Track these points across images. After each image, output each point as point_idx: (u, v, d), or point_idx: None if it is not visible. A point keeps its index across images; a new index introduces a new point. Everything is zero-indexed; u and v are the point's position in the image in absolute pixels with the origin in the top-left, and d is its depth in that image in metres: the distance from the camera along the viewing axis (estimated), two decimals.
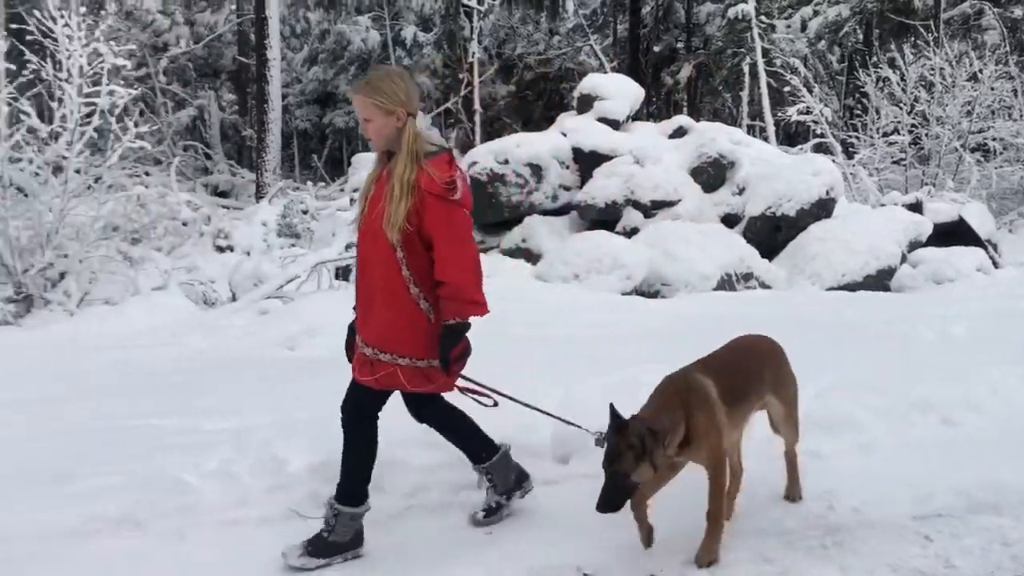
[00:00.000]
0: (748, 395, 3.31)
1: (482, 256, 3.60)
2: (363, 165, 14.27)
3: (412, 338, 3.19)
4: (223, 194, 15.54)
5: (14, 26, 8.82)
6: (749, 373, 3.35)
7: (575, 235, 10.47)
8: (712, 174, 11.32)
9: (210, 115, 17.43)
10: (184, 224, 10.62)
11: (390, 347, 3.21)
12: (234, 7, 18.63)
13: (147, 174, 13.67)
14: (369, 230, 3.23)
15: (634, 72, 17.42)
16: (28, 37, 8.70)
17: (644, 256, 9.61)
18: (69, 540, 3.48)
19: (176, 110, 17.45)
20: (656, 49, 21.43)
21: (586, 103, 12.35)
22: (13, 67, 8.42)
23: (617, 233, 10.40)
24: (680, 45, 21.65)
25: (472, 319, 3.22)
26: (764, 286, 9.95)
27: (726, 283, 9.74)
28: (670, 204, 10.85)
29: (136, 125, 9.04)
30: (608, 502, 2.91)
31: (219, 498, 3.83)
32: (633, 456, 2.89)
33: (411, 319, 3.21)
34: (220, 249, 10.03)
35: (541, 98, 21.73)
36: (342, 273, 8.74)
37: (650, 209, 10.79)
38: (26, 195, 8.83)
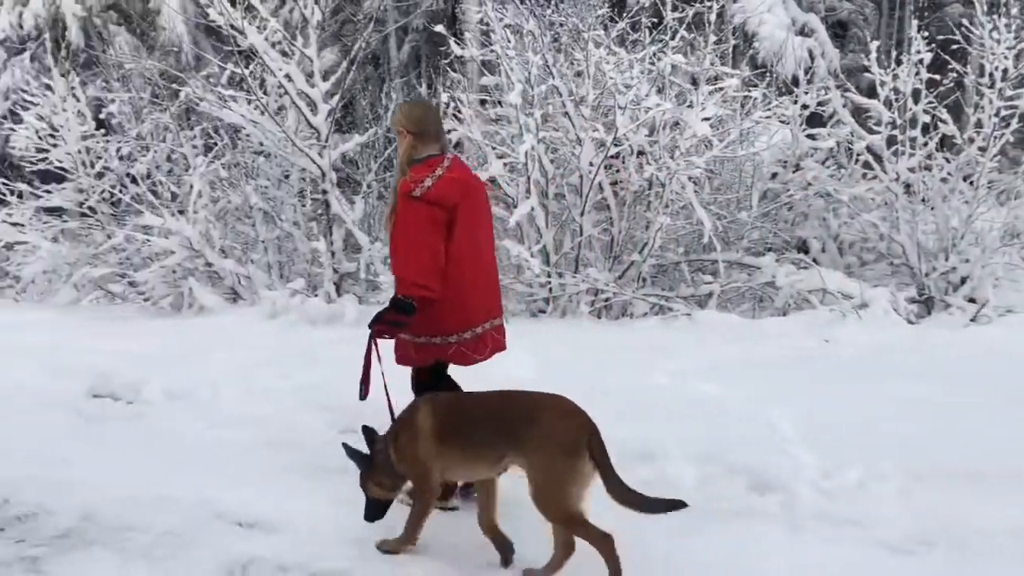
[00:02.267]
0: (481, 444, 3.34)
1: None
2: None
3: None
4: None
5: (940, 37, 9.10)
6: (488, 424, 3.34)
7: None
8: None
9: None
10: None
11: None
12: None
13: None
14: None
15: None
16: (954, 47, 8.90)
17: None
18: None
19: None
20: None
21: None
22: (936, 76, 8.69)
23: None
24: None
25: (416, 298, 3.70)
26: None
27: None
28: None
29: None
30: (367, 515, 3.67)
31: None
32: (361, 480, 3.65)
33: None
34: None
35: None
36: None
37: None
38: (924, 201, 9.10)
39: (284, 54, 9.15)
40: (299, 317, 8.16)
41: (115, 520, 3.97)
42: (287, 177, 9.88)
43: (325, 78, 9.20)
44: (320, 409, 5.57)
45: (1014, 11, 8.53)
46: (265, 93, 9.71)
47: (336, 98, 9.02)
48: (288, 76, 8.75)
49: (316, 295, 8.74)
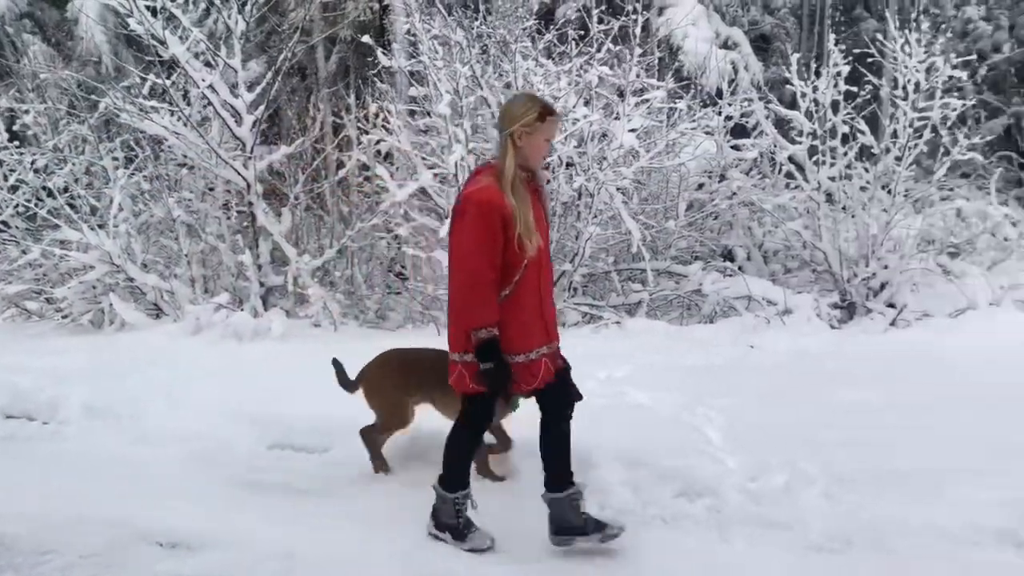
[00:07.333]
0: None
1: None
2: None
3: None
4: None
5: (856, 51, 9.37)
6: None
7: None
8: None
9: None
10: (1005, 239, 10.02)
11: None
12: None
13: (955, 188, 13.31)
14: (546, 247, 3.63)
15: None
16: (870, 60, 9.19)
17: None
18: (952, 545, 3.54)
19: (988, 120, 16.69)
20: None
21: None
22: (854, 88, 8.97)
23: None
24: None
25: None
26: None
27: None
28: None
29: (967, 137, 8.83)
30: None
31: None
32: None
33: None
34: None
35: None
36: None
37: None
38: (844, 209, 9.35)
39: (208, 64, 8.97)
40: (224, 332, 7.98)
41: (31, 543, 3.82)
42: (211, 190, 9.68)
43: (251, 89, 9.05)
44: (250, 423, 5.47)
45: (924, 26, 8.84)
46: (188, 104, 9.52)
47: (261, 109, 8.87)
48: (211, 87, 8.57)
49: (242, 309, 8.57)
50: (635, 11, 8.44)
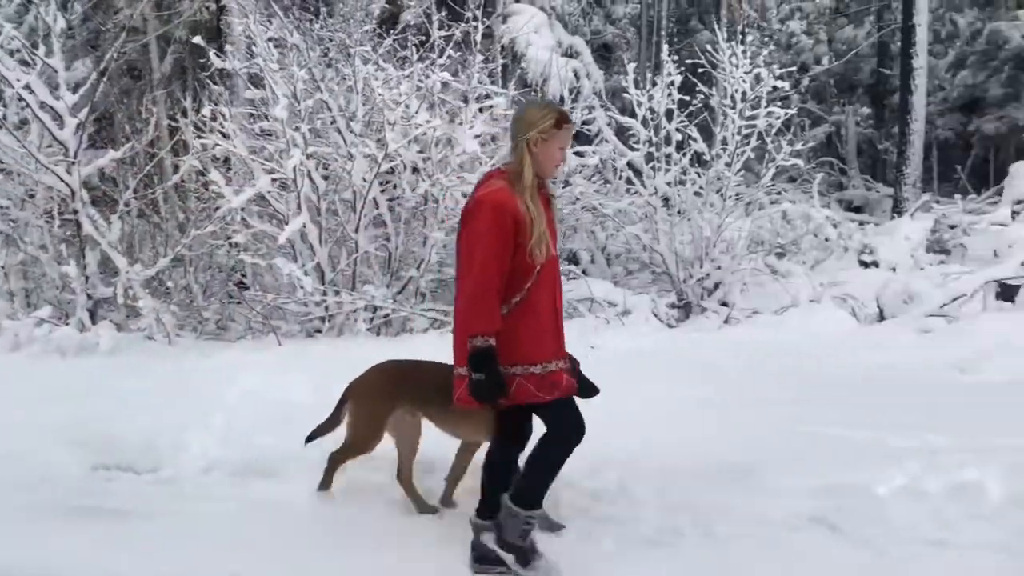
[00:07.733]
0: None
1: None
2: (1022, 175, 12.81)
3: None
4: (857, 209, 15.44)
5: (689, 61, 9.80)
6: None
7: None
8: None
9: (846, 131, 17.49)
10: (826, 240, 10.73)
11: None
12: (874, 19, 18.34)
13: (783, 191, 14.16)
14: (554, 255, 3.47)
15: None
16: (700, 70, 9.62)
17: None
18: (773, 530, 3.73)
19: (812, 127, 17.88)
20: None
21: None
22: (687, 98, 9.36)
23: None
24: None
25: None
26: None
27: None
28: None
29: (790, 144, 9.39)
30: None
31: (910, 516, 3.76)
32: None
33: None
34: (864, 264, 9.88)
35: None
36: (1007, 293, 7.90)
37: None
38: (680, 213, 9.78)
39: (26, 63, 8.40)
40: (46, 348, 7.49)
41: None
42: (32, 196, 9.05)
43: (75, 90, 8.53)
44: (73, 444, 5.14)
45: (750, 39, 9.34)
46: (4, 105, 8.88)
47: (86, 111, 8.37)
48: (28, 87, 8.02)
49: (67, 323, 8.06)
50: (475, 18, 8.51)
